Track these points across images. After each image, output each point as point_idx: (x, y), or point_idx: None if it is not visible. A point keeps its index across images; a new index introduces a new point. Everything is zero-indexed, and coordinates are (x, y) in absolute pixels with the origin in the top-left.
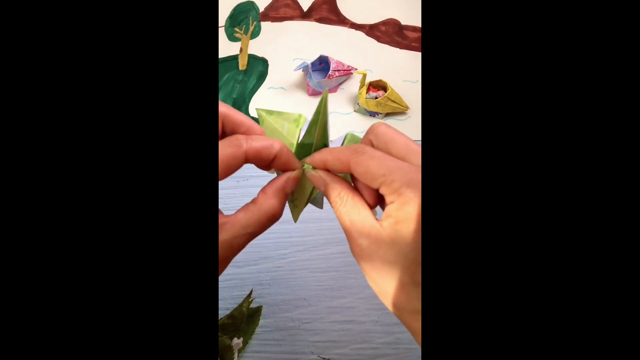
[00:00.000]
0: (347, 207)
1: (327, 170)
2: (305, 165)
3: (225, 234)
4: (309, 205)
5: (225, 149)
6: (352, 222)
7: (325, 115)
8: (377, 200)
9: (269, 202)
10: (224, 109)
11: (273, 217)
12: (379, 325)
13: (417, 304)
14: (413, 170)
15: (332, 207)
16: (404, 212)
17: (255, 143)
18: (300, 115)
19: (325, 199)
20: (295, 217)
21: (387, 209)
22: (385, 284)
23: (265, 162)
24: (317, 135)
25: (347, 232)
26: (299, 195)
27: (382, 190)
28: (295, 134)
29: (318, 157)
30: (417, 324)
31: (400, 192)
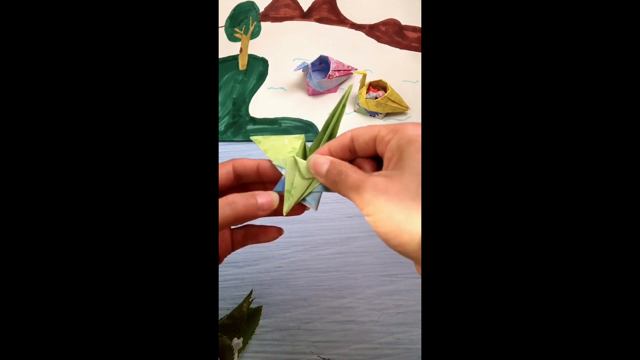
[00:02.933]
0: (348, 169)
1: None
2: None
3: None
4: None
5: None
6: (357, 175)
7: (343, 110)
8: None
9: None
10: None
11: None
12: (379, 326)
13: (417, 221)
14: None
15: (335, 181)
16: (406, 138)
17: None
18: (302, 136)
19: (321, 201)
20: (287, 209)
21: (388, 147)
22: (392, 213)
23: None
24: (330, 127)
25: (354, 186)
26: (298, 185)
27: (381, 133)
28: (298, 145)
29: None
30: (414, 242)
31: (398, 127)
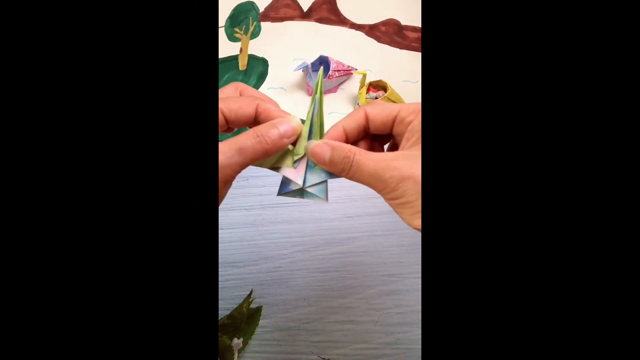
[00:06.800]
0: (361, 155)
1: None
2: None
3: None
4: (308, 205)
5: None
6: (374, 162)
7: (321, 116)
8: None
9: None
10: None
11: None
12: (379, 326)
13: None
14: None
15: (343, 169)
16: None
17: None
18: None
19: (329, 190)
20: (290, 163)
21: (409, 128)
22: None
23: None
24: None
25: (373, 173)
26: (299, 144)
27: (402, 114)
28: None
29: (334, 127)
30: None
31: (419, 109)
